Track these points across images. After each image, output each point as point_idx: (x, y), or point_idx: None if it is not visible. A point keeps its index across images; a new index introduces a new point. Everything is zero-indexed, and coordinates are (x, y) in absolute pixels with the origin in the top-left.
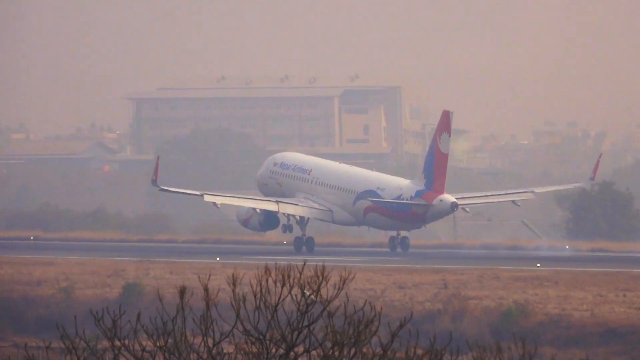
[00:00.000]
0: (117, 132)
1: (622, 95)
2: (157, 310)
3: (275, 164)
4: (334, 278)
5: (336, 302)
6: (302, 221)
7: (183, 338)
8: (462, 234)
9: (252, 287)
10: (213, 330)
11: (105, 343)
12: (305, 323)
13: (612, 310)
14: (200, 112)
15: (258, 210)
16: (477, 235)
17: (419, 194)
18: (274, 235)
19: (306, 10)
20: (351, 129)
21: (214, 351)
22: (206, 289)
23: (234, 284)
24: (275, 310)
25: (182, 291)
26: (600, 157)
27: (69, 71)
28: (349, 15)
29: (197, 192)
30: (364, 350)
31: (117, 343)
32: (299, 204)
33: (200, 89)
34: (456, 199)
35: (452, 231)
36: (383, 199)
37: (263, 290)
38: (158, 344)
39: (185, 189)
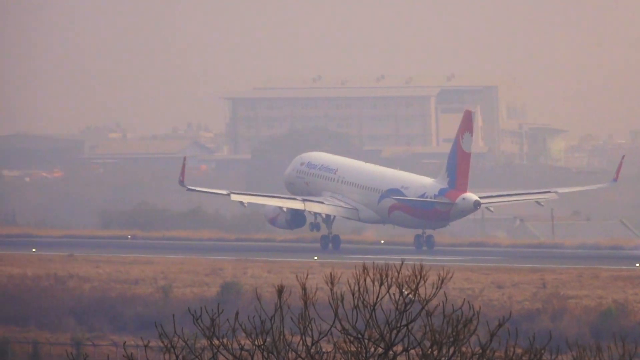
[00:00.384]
0: (213, 132)
1: None
2: (255, 309)
3: (302, 164)
4: (432, 277)
5: (434, 302)
6: (329, 219)
7: (281, 337)
8: (561, 234)
9: (349, 286)
10: (311, 329)
11: (204, 342)
12: (404, 322)
13: None
14: (297, 112)
15: (285, 209)
16: (576, 235)
17: (442, 192)
18: (370, 234)
19: (402, 10)
20: (448, 128)
21: (312, 350)
22: (304, 288)
23: (332, 283)
24: (374, 309)
25: (280, 290)
26: (623, 158)
27: (165, 70)
28: (443, 15)
29: (224, 192)
30: (463, 349)
31: (216, 342)
32: (325, 203)
33: (296, 88)
34: (479, 197)
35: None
36: (407, 197)
37: (361, 289)
38: (256, 342)
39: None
